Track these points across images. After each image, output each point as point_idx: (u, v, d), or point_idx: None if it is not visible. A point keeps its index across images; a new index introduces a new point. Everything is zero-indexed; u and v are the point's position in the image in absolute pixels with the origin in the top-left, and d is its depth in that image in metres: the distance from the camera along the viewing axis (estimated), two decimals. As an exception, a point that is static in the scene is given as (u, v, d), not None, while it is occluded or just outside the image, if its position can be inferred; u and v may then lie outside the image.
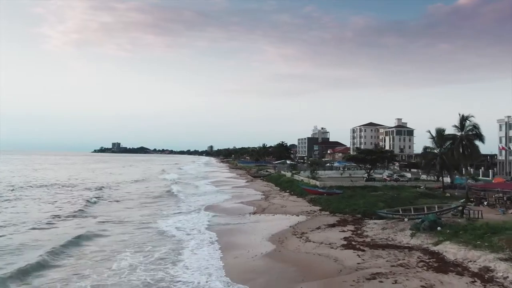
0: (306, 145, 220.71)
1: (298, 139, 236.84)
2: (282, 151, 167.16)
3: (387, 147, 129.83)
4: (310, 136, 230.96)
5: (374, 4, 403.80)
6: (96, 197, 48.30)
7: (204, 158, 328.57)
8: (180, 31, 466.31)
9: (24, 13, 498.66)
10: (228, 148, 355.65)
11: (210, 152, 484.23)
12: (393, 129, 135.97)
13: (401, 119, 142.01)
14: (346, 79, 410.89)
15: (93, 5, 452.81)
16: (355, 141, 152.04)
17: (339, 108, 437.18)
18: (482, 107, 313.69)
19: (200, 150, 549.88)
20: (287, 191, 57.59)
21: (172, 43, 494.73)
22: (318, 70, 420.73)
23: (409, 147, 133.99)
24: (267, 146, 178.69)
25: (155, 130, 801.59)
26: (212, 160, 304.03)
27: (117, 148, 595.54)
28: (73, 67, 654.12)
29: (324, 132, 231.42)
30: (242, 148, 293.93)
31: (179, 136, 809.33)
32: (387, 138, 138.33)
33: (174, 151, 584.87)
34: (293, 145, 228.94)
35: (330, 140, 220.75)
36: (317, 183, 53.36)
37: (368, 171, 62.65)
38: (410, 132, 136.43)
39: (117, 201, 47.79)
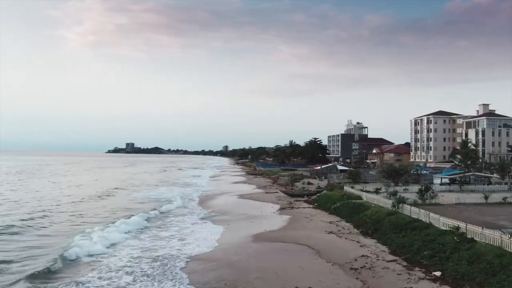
0: (340, 143, 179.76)
1: (329, 137, 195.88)
2: (315, 150, 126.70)
3: (472, 143, 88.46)
4: (343, 132, 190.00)
5: (390, 2, 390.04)
6: None
7: (221, 160, 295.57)
8: (194, 32, 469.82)
9: (42, 16, 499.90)
10: (244, 148, 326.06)
11: (224, 152, 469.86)
12: (483, 118, 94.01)
13: (488, 105, 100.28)
14: (362, 79, 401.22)
15: (109, 7, 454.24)
16: (419, 137, 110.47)
17: (355, 107, 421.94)
18: (503, 106, 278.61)
19: (214, 150, 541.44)
20: (431, 270, 17.83)
21: (186, 43, 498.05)
22: (333, 70, 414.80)
23: (507, 144, 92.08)
24: (295, 143, 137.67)
25: (170, 130, 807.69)
26: (226, 162, 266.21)
27: (130, 148, 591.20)
28: (89, 68, 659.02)
29: (361, 127, 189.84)
30: (260, 148, 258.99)
31: (193, 136, 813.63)
32: (470, 131, 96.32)
33: (189, 151, 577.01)
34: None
35: (369, 137, 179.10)
36: None
37: None
38: (508, 123, 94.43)
39: None
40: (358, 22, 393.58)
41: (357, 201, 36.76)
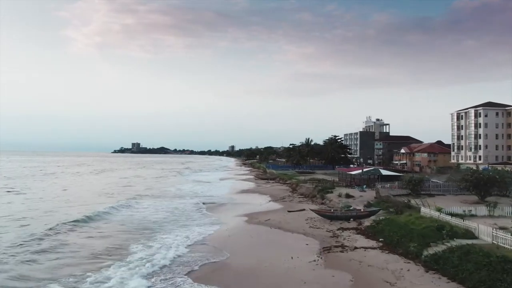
0: (358, 142, 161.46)
1: (345, 135, 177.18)
2: (336, 149, 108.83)
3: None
4: (361, 130, 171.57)
5: (396, 1, 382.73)
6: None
7: (229, 161, 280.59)
8: (201, 32, 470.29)
9: (49, 16, 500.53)
10: (251, 148, 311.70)
11: (231, 152, 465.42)
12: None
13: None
14: (370, 78, 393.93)
15: (115, 7, 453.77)
16: (463, 133, 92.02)
17: (361, 106, 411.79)
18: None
19: (221, 150, 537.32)
20: None
21: (193, 43, 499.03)
22: (340, 69, 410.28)
23: None
24: (311, 142, 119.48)
25: (176, 130, 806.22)
26: (233, 162, 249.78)
27: (136, 149, 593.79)
28: (95, 69, 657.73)
29: (381, 124, 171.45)
30: (268, 148, 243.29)
31: (199, 136, 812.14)
32: (533, 126, 77.85)
33: (195, 152, 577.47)
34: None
35: (391, 135, 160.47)
36: None
37: None
38: None
39: None
40: (365, 22, 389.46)
41: (474, 243, 19.11)
